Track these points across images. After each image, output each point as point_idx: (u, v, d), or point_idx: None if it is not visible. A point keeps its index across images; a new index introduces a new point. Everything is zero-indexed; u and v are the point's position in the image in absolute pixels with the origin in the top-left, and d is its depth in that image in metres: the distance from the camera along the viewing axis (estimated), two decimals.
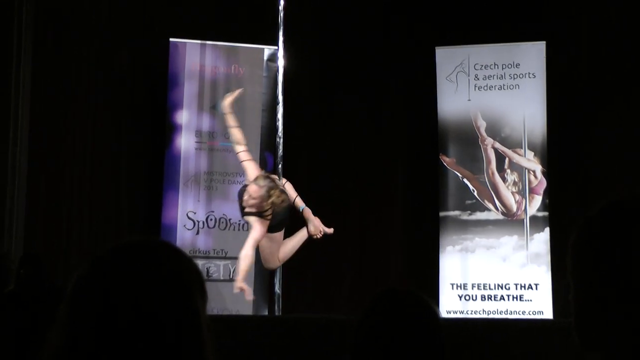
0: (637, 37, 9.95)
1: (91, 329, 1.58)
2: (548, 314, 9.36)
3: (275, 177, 8.25)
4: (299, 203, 8.35)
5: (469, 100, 9.97)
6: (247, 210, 8.09)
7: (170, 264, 1.67)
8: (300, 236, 8.50)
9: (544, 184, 9.64)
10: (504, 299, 9.54)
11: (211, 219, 9.46)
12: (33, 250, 8.35)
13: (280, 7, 8.65)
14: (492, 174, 9.76)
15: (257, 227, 8.08)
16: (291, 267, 9.05)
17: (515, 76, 9.90)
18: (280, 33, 8.64)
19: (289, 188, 8.33)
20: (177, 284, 1.64)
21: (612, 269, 1.61)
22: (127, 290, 1.60)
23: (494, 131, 9.84)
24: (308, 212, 8.35)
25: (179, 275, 1.66)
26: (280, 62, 8.71)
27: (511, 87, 9.90)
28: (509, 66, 9.93)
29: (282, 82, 8.66)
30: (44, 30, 9.48)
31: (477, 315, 9.50)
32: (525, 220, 9.63)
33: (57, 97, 9.53)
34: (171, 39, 9.61)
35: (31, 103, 9.16)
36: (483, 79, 9.97)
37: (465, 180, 9.84)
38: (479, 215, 9.77)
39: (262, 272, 9.46)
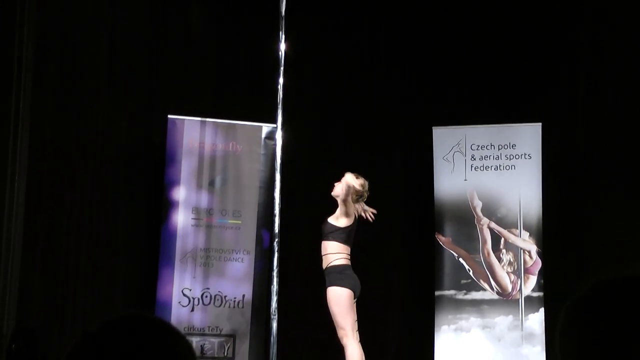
0: (632, 119, 10.01)
1: None
2: None
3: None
4: None
5: (465, 180, 10.00)
6: None
7: (162, 340, 1.67)
8: None
9: (539, 264, 9.64)
10: None
11: (206, 296, 9.40)
12: (26, 323, 8.29)
13: (280, 86, 8.61)
14: (488, 253, 9.76)
15: None
16: (288, 340, 9.04)
17: (512, 157, 9.94)
18: (279, 111, 8.59)
19: None
20: None
21: (599, 348, 1.62)
22: None
23: (489, 211, 9.86)
24: None
25: (171, 352, 1.66)
26: (279, 140, 8.65)
27: (507, 167, 9.94)
28: (505, 147, 9.97)
29: (280, 160, 8.63)
30: (42, 103, 9.50)
31: None
32: (520, 300, 9.60)
33: (53, 171, 9.53)
34: (169, 116, 9.63)
35: (28, 176, 9.17)
36: (479, 159, 10.01)
37: (461, 260, 9.84)
38: (475, 295, 9.75)
39: (257, 345, 9.41)
